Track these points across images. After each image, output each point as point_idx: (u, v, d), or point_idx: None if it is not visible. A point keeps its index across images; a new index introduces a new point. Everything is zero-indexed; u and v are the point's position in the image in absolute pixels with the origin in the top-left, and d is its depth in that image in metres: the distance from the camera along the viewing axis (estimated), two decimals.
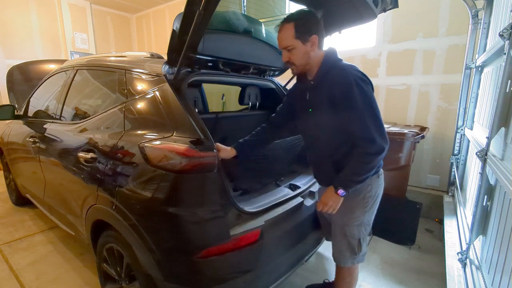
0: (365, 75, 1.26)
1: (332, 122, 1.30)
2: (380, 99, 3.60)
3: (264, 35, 1.96)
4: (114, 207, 1.39)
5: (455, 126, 2.89)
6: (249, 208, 1.37)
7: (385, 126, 2.84)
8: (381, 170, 1.46)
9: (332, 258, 1.60)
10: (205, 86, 2.96)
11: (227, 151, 1.50)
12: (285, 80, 2.34)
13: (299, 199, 1.65)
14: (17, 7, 4.87)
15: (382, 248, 2.53)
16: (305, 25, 1.25)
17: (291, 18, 1.26)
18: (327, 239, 1.77)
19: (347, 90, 1.19)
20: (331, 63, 1.30)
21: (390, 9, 1.77)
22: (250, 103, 2.23)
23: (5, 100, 4.07)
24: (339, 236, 1.48)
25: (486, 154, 1.45)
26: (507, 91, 1.31)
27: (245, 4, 2.39)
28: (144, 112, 1.45)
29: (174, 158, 1.17)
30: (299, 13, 1.30)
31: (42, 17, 5.19)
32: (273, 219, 1.42)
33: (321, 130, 1.37)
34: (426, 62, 3.23)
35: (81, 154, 1.63)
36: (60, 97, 2.19)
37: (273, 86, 2.26)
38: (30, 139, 2.33)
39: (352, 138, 1.26)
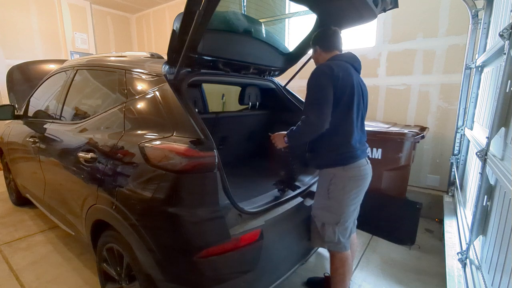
0: (331, 70, 1.46)
1: None
2: (380, 99, 3.61)
3: (264, 35, 1.95)
4: (114, 207, 1.39)
5: (455, 126, 2.89)
6: (249, 208, 1.38)
7: (385, 126, 2.90)
8: (351, 165, 1.54)
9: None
10: (205, 86, 2.96)
11: None
12: (285, 80, 2.34)
13: (299, 199, 1.65)
14: (17, 7, 4.87)
15: (382, 248, 2.53)
16: (313, 41, 1.71)
17: None
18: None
19: (309, 79, 1.54)
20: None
21: (390, 9, 1.78)
22: (250, 103, 2.23)
23: (5, 100, 4.06)
24: (311, 217, 1.69)
25: (486, 154, 1.45)
26: (507, 91, 1.31)
27: (245, 4, 2.39)
28: (144, 112, 1.45)
29: (174, 158, 1.17)
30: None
31: (42, 17, 5.19)
32: (273, 219, 1.42)
33: None
34: (426, 62, 3.23)
35: (81, 154, 1.63)
36: (60, 97, 2.19)
37: (273, 86, 2.26)
38: (30, 139, 2.33)
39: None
